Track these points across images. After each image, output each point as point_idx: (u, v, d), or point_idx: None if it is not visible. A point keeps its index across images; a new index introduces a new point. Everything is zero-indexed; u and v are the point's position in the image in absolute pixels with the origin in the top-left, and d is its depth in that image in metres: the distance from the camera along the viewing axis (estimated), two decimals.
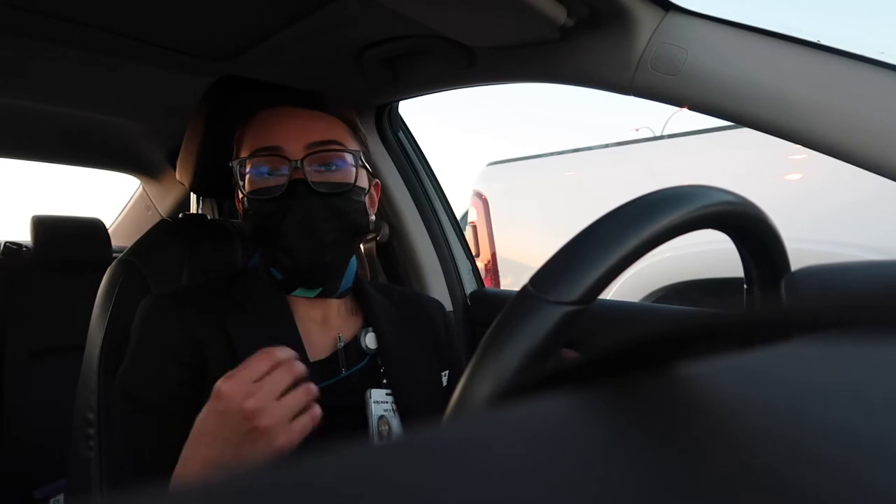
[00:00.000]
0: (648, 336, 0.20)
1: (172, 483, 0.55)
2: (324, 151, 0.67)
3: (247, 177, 0.67)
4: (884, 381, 0.17)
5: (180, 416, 0.63)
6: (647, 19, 0.68)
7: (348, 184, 0.68)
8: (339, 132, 0.70)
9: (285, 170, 0.66)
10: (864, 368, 0.18)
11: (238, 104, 0.80)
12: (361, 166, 0.71)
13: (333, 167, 0.68)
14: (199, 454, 0.53)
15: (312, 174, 0.66)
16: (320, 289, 0.71)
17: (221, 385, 0.51)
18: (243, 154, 0.69)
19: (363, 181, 0.71)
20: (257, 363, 0.51)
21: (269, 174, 0.66)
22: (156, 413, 0.62)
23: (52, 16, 0.84)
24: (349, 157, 0.69)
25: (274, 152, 0.66)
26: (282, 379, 0.51)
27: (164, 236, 0.84)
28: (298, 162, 0.65)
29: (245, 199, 0.68)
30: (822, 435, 0.14)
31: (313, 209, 0.65)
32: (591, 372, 0.21)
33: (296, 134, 0.67)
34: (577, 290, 0.35)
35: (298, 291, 0.70)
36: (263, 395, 0.50)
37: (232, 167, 0.70)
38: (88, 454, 0.75)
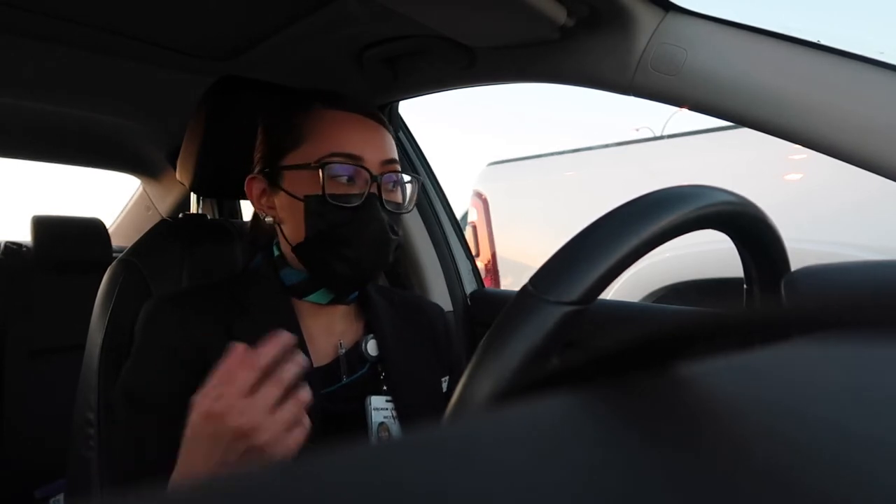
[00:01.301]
0: (648, 336, 0.20)
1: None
2: (396, 171, 0.69)
3: (326, 177, 0.65)
4: (884, 381, 0.17)
5: (183, 418, 0.63)
6: (647, 19, 0.68)
7: (404, 204, 0.71)
8: (395, 150, 0.71)
9: (364, 180, 0.66)
10: (864, 368, 0.18)
11: (251, 101, 0.80)
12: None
13: (399, 187, 0.70)
14: (191, 472, 0.51)
15: (385, 191, 0.67)
16: (335, 295, 0.71)
17: (209, 405, 0.48)
18: (310, 149, 0.67)
19: None
20: (241, 372, 0.48)
21: (348, 182, 0.66)
22: (158, 414, 0.62)
23: (52, 16, 0.84)
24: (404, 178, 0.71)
25: (356, 161, 0.66)
26: (273, 391, 0.48)
27: (164, 236, 0.84)
28: (378, 177, 0.66)
29: (312, 199, 0.65)
30: (822, 435, 0.14)
31: (386, 227, 0.66)
32: (591, 372, 0.21)
33: (374, 147, 0.67)
34: (577, 290, 0.35)
35: (311, 297, 0.70)
36: (257, 411, 0.47)
37: (316, 164, 0.66)
38: (88, 454, 0.75)
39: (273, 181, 0.70)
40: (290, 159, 0.68)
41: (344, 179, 0.65)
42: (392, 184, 0.68)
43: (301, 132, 0.68)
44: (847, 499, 0.11)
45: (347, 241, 0.65)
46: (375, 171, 0.66)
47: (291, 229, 0.69)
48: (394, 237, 0.67)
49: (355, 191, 0.65)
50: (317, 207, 0.65)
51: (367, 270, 0.67)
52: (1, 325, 1.36)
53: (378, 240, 0.66)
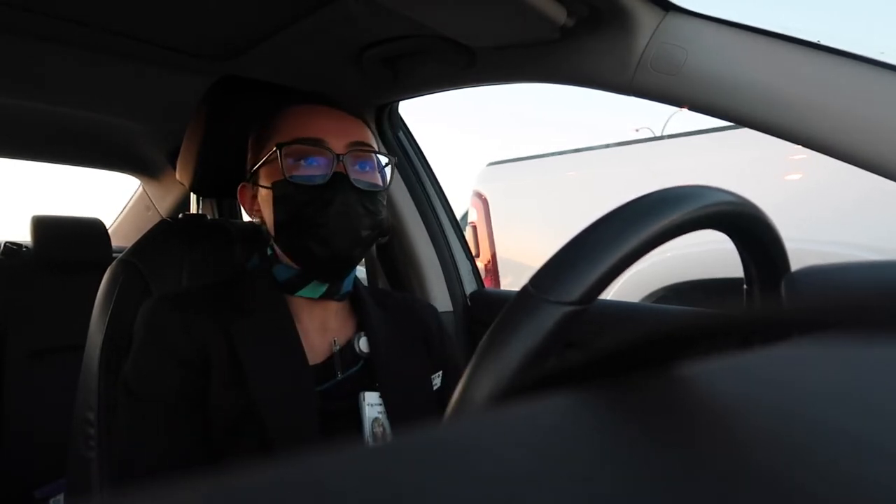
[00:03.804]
0: (648, 336, 0.20)
1: None
2: (365, 151, 0.70)
3: (285, 161, 0.67)
4: (883, 381, 0.17)
5: (183, 414, 0.63)
6: (647, 19, 0.68)
7: (381, 185, 0.72)
8: (370, 137, 0.73)
9: (327, 161, 0.67)
10: (864, 368, 0.18)
11: (251, 101, 0.81)
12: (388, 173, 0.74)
13: (369, 168, 0.71)
14: None
15: (352, 171, 0.67)
16: (326, 287, 0.71)
17: None
18: (276, 142, 0.68)
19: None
20: None
21: (311, 163, 0.67)
22: (158, 411, 0.63)
23: (52, 16, 0.84)
24: (381, 162, 0.73)
25: (318, 144, 0.67)
26: None
27: (164, 236, 0.84)
28: (342, 157, 0.67)
29: (278, 184, 0.67)
30: (822, 435, 0.14)
31: (354, 203, 0.67)
32: (591, 372, 0.21)
33: (338, 130, 0.69)
34: (578, 290, 0.35)
35: (303, 291, 0.71)
36: None
37: (273, 150, 0.68)
38: (88, 454, 0.75)
39: (254, 182, 0.72)
40: (263, 156, 0.70)
41: (305, 161, 0.67)
42: (359, 164, 0.69)
43: (270, 132, 0.71)
44: (847, 499, 0.11)
45: (315, 219, 0.66)
46: (340, 152, 0.67)
47: (270, 220, 0.70)
48: (365, 213, 0.68)
49: (320, 171, 0.67)
50: (283, 191, 0.67)
51: (342, 248, 0.67)
52: (1, 325, 1.36)
53: (347, 215, 0.66)
